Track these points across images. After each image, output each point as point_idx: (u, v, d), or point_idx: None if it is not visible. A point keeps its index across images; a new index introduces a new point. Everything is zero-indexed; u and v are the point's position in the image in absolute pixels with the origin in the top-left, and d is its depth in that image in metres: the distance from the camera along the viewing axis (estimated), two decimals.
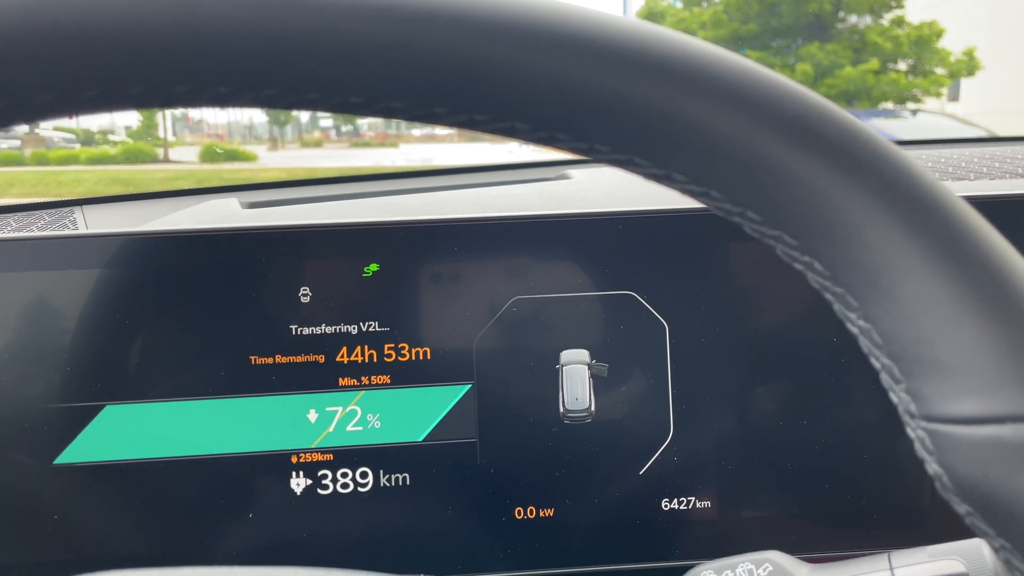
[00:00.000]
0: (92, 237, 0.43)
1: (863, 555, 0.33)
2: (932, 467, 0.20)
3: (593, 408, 0.46)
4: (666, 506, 0.47)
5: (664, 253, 0.46)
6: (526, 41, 0.19)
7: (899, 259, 0.20)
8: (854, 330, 0.22)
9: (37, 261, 0.43)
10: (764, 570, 0.34)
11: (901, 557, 0.32)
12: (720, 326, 0.47)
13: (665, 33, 0.20)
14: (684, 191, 0.21)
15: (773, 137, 0.20)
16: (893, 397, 0.21)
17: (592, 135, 0.20)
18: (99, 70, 0.17)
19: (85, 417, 0.43)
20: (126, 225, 0.68)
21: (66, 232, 0.46)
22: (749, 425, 0.47)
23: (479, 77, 0.19)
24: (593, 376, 0.46)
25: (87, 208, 0.74)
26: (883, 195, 0.20)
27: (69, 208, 0.74)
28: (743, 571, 0.35)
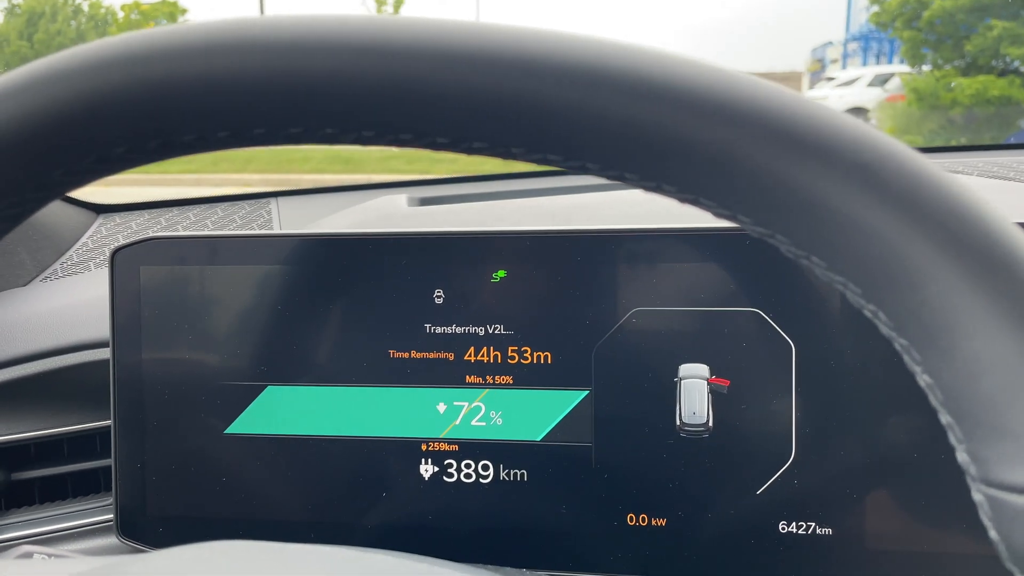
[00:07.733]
0: (259, 237, 0.50)
1: None
2: (991, 533, 0.20)
3: (711, 423, 0.46)
4: (784, 528, 0.46)
5: (794, 272, 0.45)
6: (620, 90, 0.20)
7: (960, 317, 0.20)
8: (921, 384, 0.22)
9: (216, 257, 0.50)
10: None
11: None
12: (852, 350, 0.45)
13: (737, 77, 0.20)
14: (752, 232, 0.22)
15: (834, 183, 0.20)
16: (957, 457, 0.21)
17: (658, 175, 0.21)
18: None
19: (251, 394, 0.50)
20: (311, 216, 0.76)
21: (231, 232, 0.52)
22: (878, 455, 0.44)
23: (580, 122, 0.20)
24: (712, 392, 0.46)
25: (281, 200, 0.83)
26: (944, 250, 0.19)
27: (266, 199, 0.83)
28: None
